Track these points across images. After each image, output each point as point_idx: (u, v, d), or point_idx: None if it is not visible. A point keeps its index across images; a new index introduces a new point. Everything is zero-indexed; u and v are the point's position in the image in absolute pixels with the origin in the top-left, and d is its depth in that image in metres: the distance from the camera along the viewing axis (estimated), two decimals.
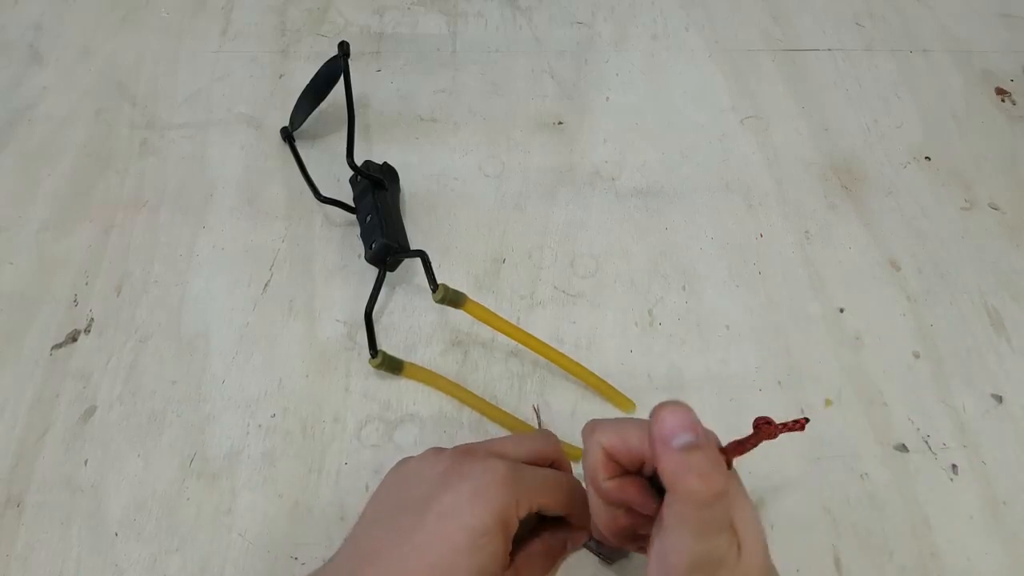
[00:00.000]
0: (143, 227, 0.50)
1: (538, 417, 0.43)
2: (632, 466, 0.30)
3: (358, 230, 0.49)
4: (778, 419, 0.31)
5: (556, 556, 0.36)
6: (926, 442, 0.42)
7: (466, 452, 0.34)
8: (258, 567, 0.37)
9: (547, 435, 0.37)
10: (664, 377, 0.44)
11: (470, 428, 0.42)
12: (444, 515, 0.31)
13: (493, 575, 0.31)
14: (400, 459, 0.36)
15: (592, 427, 0.31)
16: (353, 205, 0.50)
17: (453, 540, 0.30)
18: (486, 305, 0.42)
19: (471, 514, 0.30)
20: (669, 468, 0.26)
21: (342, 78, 0.50)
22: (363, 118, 0.56)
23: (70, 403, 0.42)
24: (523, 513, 0.32)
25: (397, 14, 0.64)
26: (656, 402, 0.43)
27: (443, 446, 0.35)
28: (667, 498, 0.27)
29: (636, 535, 0.31)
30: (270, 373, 0.44)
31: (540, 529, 0.36)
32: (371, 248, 0.46)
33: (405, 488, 0.33)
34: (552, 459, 0.36)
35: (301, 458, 0.41)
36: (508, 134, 0.56)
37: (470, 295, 0.41)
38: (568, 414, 0.43)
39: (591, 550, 0.38)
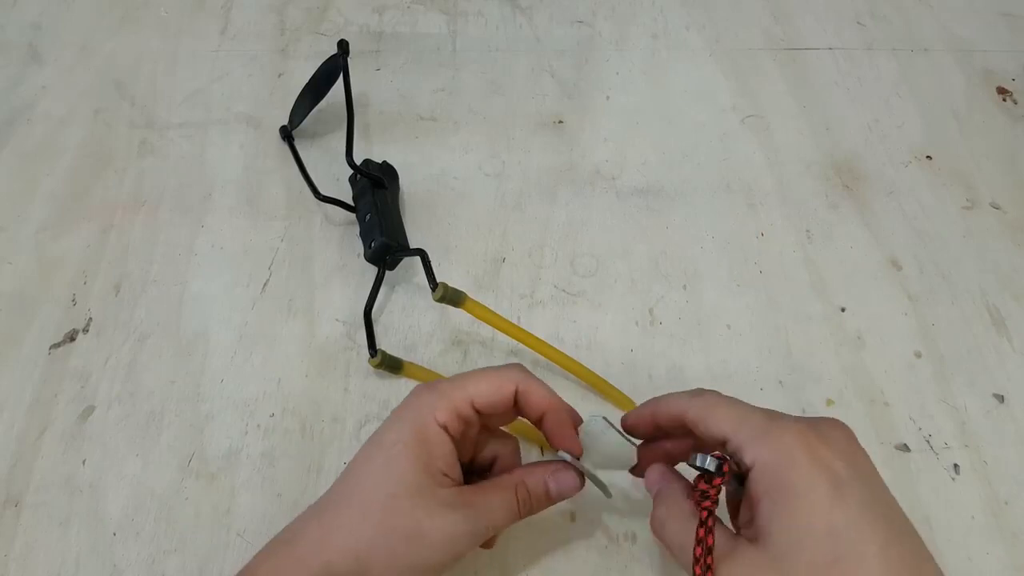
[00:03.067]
0: (142, 227, 0.50)
1: None
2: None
3: (357, 229, 0.49)
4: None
5: (520, 498, 0.32)
6: (928, 442, 0.42)
7: None
8: None
9: (513, 367, 0.34)
10: (665, 376, 0.44)
11: None
12: (370, 442, 0.32)
13: (418, 485, 0.30)
14: None
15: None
16: (352, 204, 0.49)
17: (372, 456, 0.31)
18: (486, 304, 0.41)
19: (386, 431, 0.32)
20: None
21: (341, 77, 0.50)
22: (363, 117, 0.56)
23: (68, 403, 0.42)
24: (444, 417, 0.31)
25: (397, 13, 0.64)
26: None
27: None
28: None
29: None
30: (269, 373, 0.44)
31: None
32: (371, 247, 0.46)
33: None
34: (517, 393, 0.33)
35: (300, 458, 0.41)
36: (508, 133, 0.56)
37: (470, 294, 0.41)
38: None
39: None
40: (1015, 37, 0.64)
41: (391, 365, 0.42)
